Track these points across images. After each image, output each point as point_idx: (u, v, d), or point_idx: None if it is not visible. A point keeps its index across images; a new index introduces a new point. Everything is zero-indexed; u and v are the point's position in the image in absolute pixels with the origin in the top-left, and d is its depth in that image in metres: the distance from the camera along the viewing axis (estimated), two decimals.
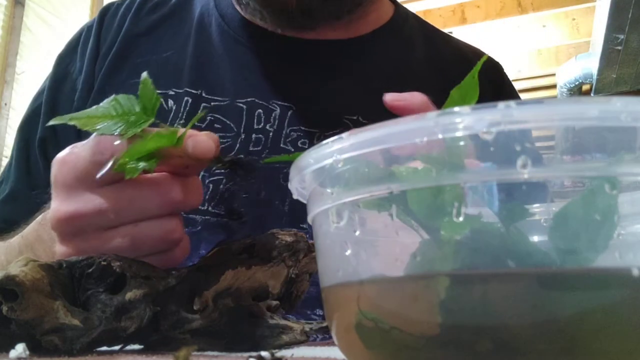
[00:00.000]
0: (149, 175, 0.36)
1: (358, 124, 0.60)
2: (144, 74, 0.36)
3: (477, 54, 0.75)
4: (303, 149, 0.58)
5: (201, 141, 0.35)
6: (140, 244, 0.35)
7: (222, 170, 0.56)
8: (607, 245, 0.20)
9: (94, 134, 0.35)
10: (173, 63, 0.64)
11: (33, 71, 2.67)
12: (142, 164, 0.33)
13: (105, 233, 0.35)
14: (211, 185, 0.57)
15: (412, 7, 3.73)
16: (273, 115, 0.61)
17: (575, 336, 0.18)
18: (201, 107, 0.61)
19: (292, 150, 0.60)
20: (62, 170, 0.36)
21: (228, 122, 0.60)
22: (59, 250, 0.36)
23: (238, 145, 0.59)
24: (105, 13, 0.68)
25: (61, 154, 0.36)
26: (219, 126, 0.60)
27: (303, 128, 0.61)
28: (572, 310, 0.18)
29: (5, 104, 2.53)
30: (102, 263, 0.33)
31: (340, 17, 0.63)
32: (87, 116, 0.36)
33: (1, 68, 2.55)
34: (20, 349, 0.29)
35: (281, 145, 0.60)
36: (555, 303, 0.18)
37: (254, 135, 0.60)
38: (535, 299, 0.19)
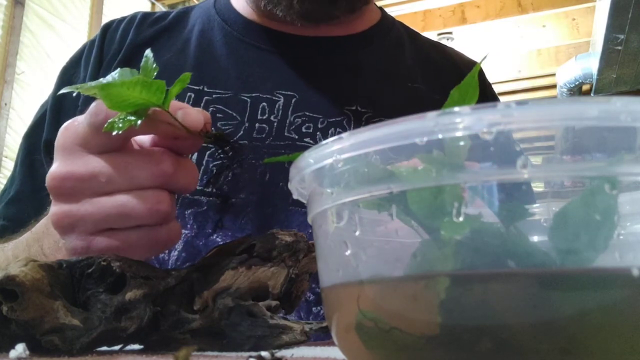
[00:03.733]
0: (144, 148, 0.38)
1: (357, 114, 0.64)
2: (148, 50, 0.38)
3: (462, 59, 0.79)
4: (307, 134, 0.61)
5: (191, 113, 0.37)
6: (129, 212, 0.36)
7: (213, 147, 0.58)
8: (607, 245, 0.20)
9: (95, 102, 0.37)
10: (172, 65, 0.66)
11: (33, 71, 2.68)
12: (129, 118, 0.35)
13: (97, 199, 0.36)
14: (215, 169, 0.60)
15: (412, 7, 3.74)
16: (277, 105, 0.63)
17: (575, 336, 0.18)
18: (203, 101, 0.63)
19: (296, 137, 0.61)
20: (64, 135, 0.38)
21: (230, 112, 0.62)
22: (52, 209, 0.38)
23: (241, 132, 0.61)
24: (107, 28, 0.73)
25: (66, 123, 0.39)
26: (221, 115, 0.62)
27: (307, 113, 0.63)
28: (572, 310, 0.18)
29: (5, 104, 2.54)
30: (102, 263, 0.33)
31: (354, 9, 0.67)
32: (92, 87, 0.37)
33: (1, 68, 2.55)
34: (20, 349, 0.29)
35: (285, 133, 0.62)
36: (555, 303, 0.18)
37: (257, 125, 0.62)
38: (535, 299, 0.18)
